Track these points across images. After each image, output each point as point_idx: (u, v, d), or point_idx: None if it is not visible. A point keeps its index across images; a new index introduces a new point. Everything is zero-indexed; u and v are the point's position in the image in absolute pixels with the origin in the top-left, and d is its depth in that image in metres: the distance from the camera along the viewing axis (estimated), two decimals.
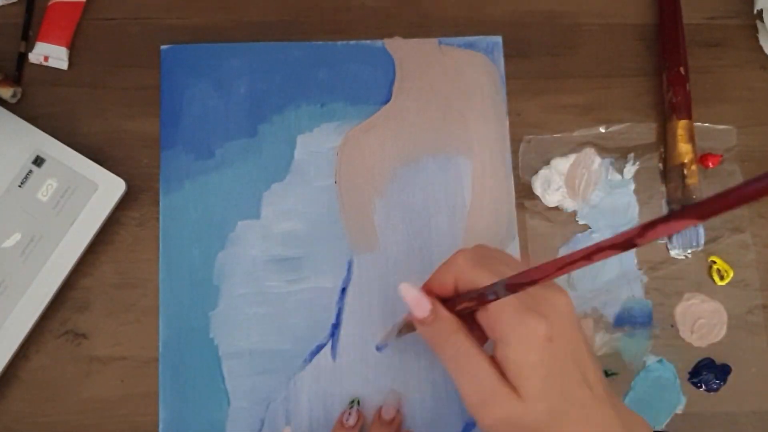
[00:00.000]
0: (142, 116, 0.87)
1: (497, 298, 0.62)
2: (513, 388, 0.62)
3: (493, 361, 0.63)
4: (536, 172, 0.86)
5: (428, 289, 0.68)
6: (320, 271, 0.83)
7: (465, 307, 0.65)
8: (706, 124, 0.89)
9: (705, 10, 0.91)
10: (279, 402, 0.80)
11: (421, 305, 0.66)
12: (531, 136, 0.88)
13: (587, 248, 0.52)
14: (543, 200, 0.85)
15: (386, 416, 0.79)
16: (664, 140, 0.88)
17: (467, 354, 0.64)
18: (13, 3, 0.89)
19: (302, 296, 0.82)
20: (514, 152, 0.87)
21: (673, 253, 0.86)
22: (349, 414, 0.79)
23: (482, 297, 0.63)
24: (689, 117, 0.86)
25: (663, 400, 0.82)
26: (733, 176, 0.87)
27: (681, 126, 0.85)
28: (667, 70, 0.88)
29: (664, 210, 0.86)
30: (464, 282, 0.66)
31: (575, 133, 0.88)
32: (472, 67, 0.89)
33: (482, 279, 0.63)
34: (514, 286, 0.59)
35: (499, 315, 0.63)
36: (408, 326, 0.74)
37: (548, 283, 0.64)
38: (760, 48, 0.91)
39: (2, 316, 0.79)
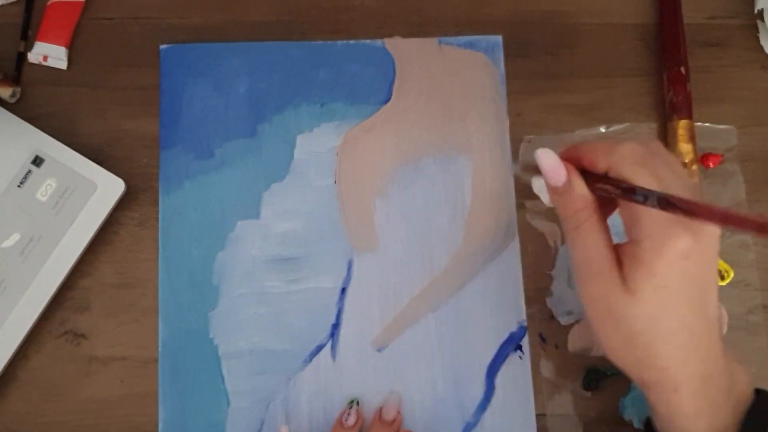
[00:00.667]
0: (141, 116, 0.87)
1: (644, 203, 0.61)
2: (624, 279, 0.63)
3: (614, 247, 0.65)
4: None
5: (576, 157, 0.68)
6: (320, 271, 0.83)
7: (607, 192, 0.65)
8: (707, 124, 0.88)
9: (705, 10, 0.91)
10: (279, 402, 0.80)
11: (557, 174, 0.67)
12: (531, 136, 0.88)
13: (761, 216, 0.52)
14: (543, 200, 0.85)
15: (387, 417, 0.79)
16: (665, 140, 0.87)
17: (589, 231, 0.65)
18: (13, 2, 0.89)
19: (302, 296, 0.82)
20: (515, 152, 0.87)
21: None
22: (348, 414, 0.79)
23: (630, 194, 0.62)
24: (690, 117, 0.86)
25: None
26: (733, 176, 0.87)
27: (681, 126, 0.85)
28: (667, 70, 0.88)
29: None
30: (618, 173, 0.64)
31: (575, 133, 0.88)
32: (472, 66, 0.89)
33: (640, 180, 0.63)
34: (667, 204, 0.59)
35: (646, 213, 0.62)
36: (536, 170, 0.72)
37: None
38: (761, 48, 0.91)
39: (2, 316, 0.79)
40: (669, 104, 0.87)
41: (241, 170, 0.85)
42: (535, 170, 0.70)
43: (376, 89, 0.88)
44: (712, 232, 0.62)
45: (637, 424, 0.80)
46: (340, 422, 0.79)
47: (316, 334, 0.82)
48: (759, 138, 0.88)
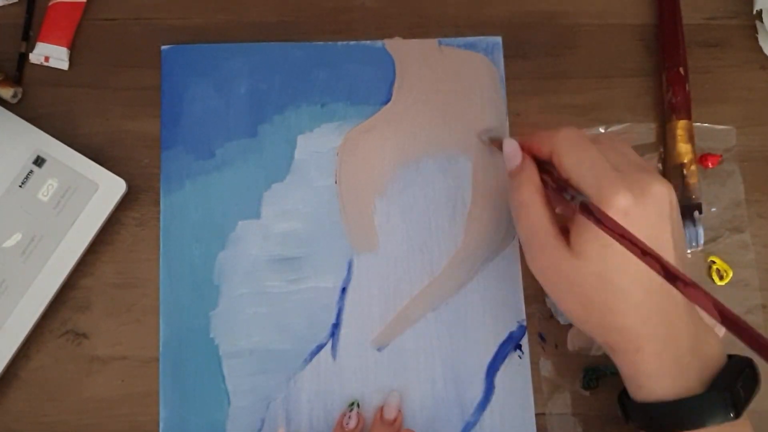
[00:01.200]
0: (142, 116, 0.87)
1: (570, 202, 0.66)
2: (571, 245, 0.66)
3: (558, 223, 0.70)
4: None
5: (526, 146, 0.74)
6: (320, 271, 0.83)
7: (546, 182, 0.71)
8: (706, 124, 0.89)
9: (704, 11, 0.91)
10: (279, 401, 0.80)
11: (514, 158, 0.73)
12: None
13: (658, 258, 0.57)
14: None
15: (388, 416, 0.79)
16: (664, 140, 0.88)
17: (533, 208, 0.70)
18: (14, 3, 0.89)
19: (302, 296, 0.82)
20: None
21: None
22: (350, 417, 0.79)
23: (561, 190, 0.67)
24: (689, 117, 0.86)
25: None
26: (732, 176, 0.88)
27: (680, 126, 0.85)
28: (666, 71, 0.88)
29: None
30: (557, 155, 0.69)
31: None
32: (472, 67, 0.89)
33: (572, 158, 0.68)
34: (586, 210, 0.63)
35: (587, 174, 0.66)
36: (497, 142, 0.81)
37: (653, 172, 0.67)
38: (760, 48, 0.91)
39: (3, 316, 0.79)
40: (668, 104, 0.87)
41: (242, 170, 0.85)
42: (498, 147, 0.79)
43: (377, 90, 0.88)
44: (656, 192, 0.65)
45: None
46: (341, 425, 0.79)
47: (316, 333, 0.82)
48: (758, 138, 0.88)
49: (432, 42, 0.89)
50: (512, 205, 0.72)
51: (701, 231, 0.85)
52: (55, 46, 0.88)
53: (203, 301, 0.82)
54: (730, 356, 0.68)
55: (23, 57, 0.88)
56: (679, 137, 0.85)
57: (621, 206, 0.63)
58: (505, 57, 0.89)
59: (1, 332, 0.79)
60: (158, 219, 0.85)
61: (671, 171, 0.86)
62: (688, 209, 0.84)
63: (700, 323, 0.68)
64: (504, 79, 0.89)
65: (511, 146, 0.74)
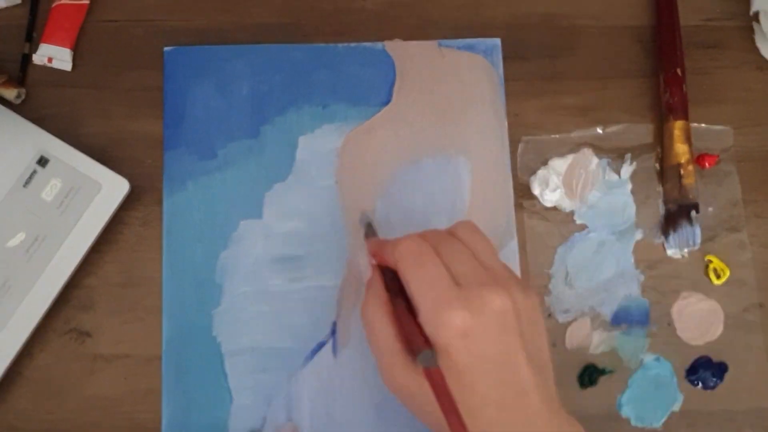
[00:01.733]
0: (145, 117, 0.88)
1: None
2: (411, 361, 0.65)
3: (399, 340, 0.66)
4: (534, 172, 0.87)
5: (378, 252, 0.73)
6: (321, 270, 0.84)
7: (393, 314, 0.68)
8: (703, 125, 0.89)
9: (702, 12, 0.92)
10: (281, 399, 0.81)
11: (365, 271, 0.73)
12: (529, 137, 0.88)
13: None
14: (541, 200, 0.86)
15: None
16: (661, 141, 0.88)
17: (375, 321, 0.68)
18: (17, 5, 0.90)
19: (304, 295, 0.82)
20: (513, 153, 0.88)
21: (669, 252, 0.86)
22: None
23: (400, 321, 0.66)
24: (686, 118, 0.87)
25: (660, 397, 0.83)
26: (729, 176, 0.88)
27: (677, 127, 0.86)
28: (663, 72, 0.89)
29: (661, 209, 0.87)
30: (400, 271, 0.68)
31: (573, 134, 0.89)
32: (472, 68, 0.89)
33: (413, 279, 0.66)
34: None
35: (426, 293, 0.64)
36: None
37: (495, 283, 0.65)
38: (757, 49, 0.91)
39: (7, 315, 0.79)
40: (665, 105, 0.88)
41: (244, 171, 0.86)
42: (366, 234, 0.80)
43: (377, 91, 0.88)
44: (496, 306, 0.63)
45: (633, 423, 0.81)
46: None
47: (317, 332, 0.82)
48: (755, 138, 0.89)
49: (432, 44, 0.90)
50: (362, 318, 0.70)
51: (698, 230, 0.85)
52: (59, 47, 0.88)
53: (205, 300, 0.83)
54: None
55: (26, 58, 0.89)
56: (676, 138, 0.86)
57: (458, 327, 0.61)
58: (504, 58, 0.90)
59: (4, 331, 0.79)
60: (161, 219, 0.85)
61: (668, 171, 0.86)
62: (685, 209, 0.85)
63: (565, 420, 0.66)
64: (503, 81, 0.89)
65: (363, 260, 0.74)
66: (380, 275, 0.71)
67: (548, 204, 0.86)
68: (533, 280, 0.83)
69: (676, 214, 0.86)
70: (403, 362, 0.65)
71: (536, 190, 0.86)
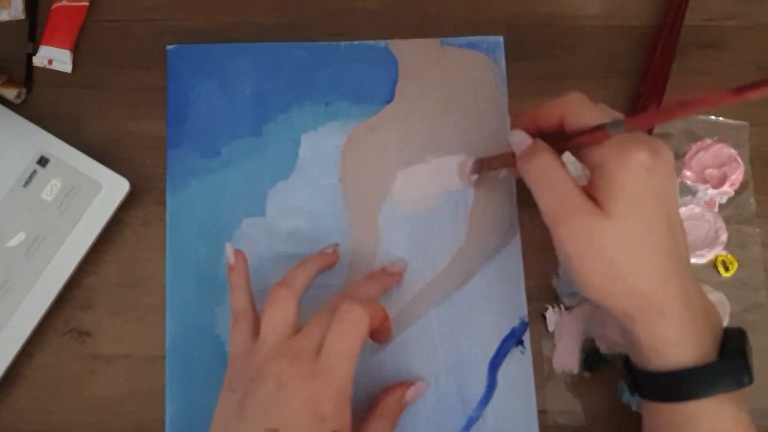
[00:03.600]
0: (145, 117, 0.88)
1: (604, 131, 0.66)
2: (598, 204, 0.66)
3: (578, 185, 0.68)
4: None
5: (532, 119, 0.75)
6: None
7: (574, 143, 0.70)
8: (721, 118, 0.89)
9: (702, 12, 0.91)
10: None
11: (523, 142, 0.73)
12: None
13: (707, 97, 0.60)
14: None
15: (391, 269, 0.83)
16: None
17: (553, 169, 0.69)
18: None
19: (307, 293, 0.81)
20: None
21: None
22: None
23: (597, 131, 0.67)
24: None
25: None
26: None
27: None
28: (642, 97, 0.89)
29: None
30: (573, 118, 0.70)
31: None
32: (474, 66, 0.89)
33: (594, 117, 0.68)
34: (634, 124, 0.65)
35: (602, 144, 0.66)
36: (494, 162, 0.82)
37: (652, 137, 0.69)
38: (758, 49, 0.91)
39: (7, 315, 0.79)
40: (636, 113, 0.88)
41: (247, 169, 0.86)
42: (490, 166, 0.82)
43: (380, 89, 0.88)
44: (666, 154, 0.67)
45: (635, 408, 0.81)
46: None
47: None
48: (755, 139, 0.89)
49: (434, 42, 0.90)
50: (531, 179, 0.71)
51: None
52: (59, 49, 0.88)
53: (209, 298, 0.83)
54: (725, 329, 0.69)
55: (30, 57, 0.89)
56: None
57: (643, 161, 0.64)
58: (505, 58, 0.90)
59: (5, 331, 0.79)
60: (161, 218, 0.85)
61: None
62: None
63: (703, 292, 0.69)
64: (505, 79, 0.89)
65: (519, 135, 0.73)
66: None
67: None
68: (536, 277, 0.83)
69: None
70: (585, 205, 0.67)
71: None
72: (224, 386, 0.71)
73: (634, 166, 0.64)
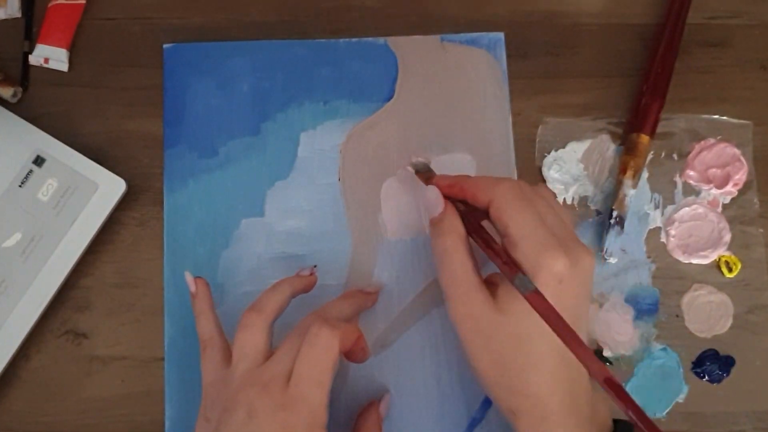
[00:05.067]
0: (142, 116, 0.87)
1: (509, 273, 0.65)
2: (496, 299, 0.67)
3: (478, 272, 0.70)
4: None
5: (461, 188, 0.73)
6: (324, 269, 0.83)
7: (480, 240, 0.70)
8: (724, 117, 0.89)
9: (705, 10, 0.91)
10: None
11: (436, 206, 0.73)
12: (549, 118, 0.88)
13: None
14: (548, 182, 0.85)
15: (367, 289, 0.83)
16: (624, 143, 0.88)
17: (454, 252, 0.70)
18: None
19: (306, 294, 0.81)
20: (517, 149, 0.87)
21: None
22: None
23: (495, 258, 0.67)
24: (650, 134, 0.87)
25: (665, 387, 0.83)
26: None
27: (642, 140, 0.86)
28: (645, 95, 0.88)
29: (677, 198, 0.87)
30: (498, 207, 0.69)
31: (591, 120, 0.89)
32: (475, 63, 0.89)
33: (518, 215, 0.67)
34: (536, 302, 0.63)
35: (525, 236, 0.66)
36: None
37: (581, 242, 0.68)
38: (761, 47, 0.91)
39: (3, 316, 0.79)
40: (638, 114, 0.88)
41: (246, 168, 0.85)
42: (422, 180, 0.80)
43: (379, 87, 0.88)
44: (585, 264, 0.67)
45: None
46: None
47: None
48: (759, 138, 0.88)
49: (434, 39, 0.89)
50: (434, 252, 0.72)
51: (612, 242, 0.85)
52: (55, 48, 0.88)
53: None
54: (615, 421, 0.69)
55: (26, 56, 0.89)
56: (640, 150, 0.86)
57: (557, 273, 0.64)
58: (506, 57, 0.89)
59: (0, 332, 0.79)
60: (158, 219, 0.85)
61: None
62: (618, 218, 0.85)
63: (593, 390, 0.69)
64: (506, 75, 0.89)
65: (433, 193, 0.74)
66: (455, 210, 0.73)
67: (556, 188, 0.85)
68: None
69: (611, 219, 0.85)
70: (478, 294, 0.68)
71: (548, 173, 0.86)
72: (199, 415, 0.70)
73: (547, 275, 0.64)
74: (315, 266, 0.80)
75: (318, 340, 0.66)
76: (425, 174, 0.80)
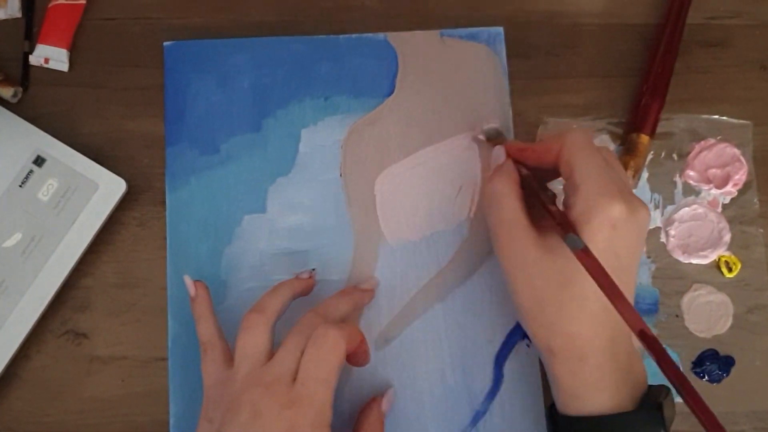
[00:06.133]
0: (142, 116, 0.87)
1: (544, 205, 0.69)
2: (538, 235, 0.69)
3: (526, 215, 0.71)
4: None
5: (531, 149, 0.75)
6: (327, 265, 0.83)
7: (539, 198, 0.71)
8: (724, 118, 0.89)
9: (705, 10, 0.91)
10: None
11: (499, 156, 0.77)
12: (550, 118, 0.88)
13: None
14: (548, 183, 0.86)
15: (364, 285, 0.83)
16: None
17: (505, 195, 0.72)
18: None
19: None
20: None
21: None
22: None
23: (546, 206, 0.69)
24: (651, 134, 0.87)
25: None
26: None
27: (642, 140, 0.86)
28: (645, 95, 0.88)
29: (677, 198, 0.87)
30: (568, 154, 0.70)
31: (591, 120, 0.89)
32: (474, 58, 0.89)
33: (586, 159, 0.69)
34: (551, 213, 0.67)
35: (586, 181, 0.67)
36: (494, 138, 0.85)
37: (635, 195, 0.69)
38: (761, 47, 0.91)
39: (3, 316, 0.79)
40: (638, 114, 0.88)
41: (247, 165, 0.85)
42: (486, 137, 0.85)
43: (379, 82, 0.88)
44: (642, 216, 0.67)
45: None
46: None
47: None
48: (759, 138, 0.89)
49: (434, 34, 0.89)
50: (486, 195, 0.74)
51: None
52: (55, 48, 0.88)
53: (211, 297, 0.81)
54: (649, 385, 0.70)
55: (27, 56, 0.88)
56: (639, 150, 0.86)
57: (613, 217, 0.65)
58: (507, 56, 0.89)
59: (1, 332, 0.79)
60: (159, 219, 0.85)
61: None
62: None
63: (633, 348, 0.70)
64: (506, 69, 0.89)
65: (499, 150, 0.77)
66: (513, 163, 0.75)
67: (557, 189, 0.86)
68: None
69: None
70: (527, 231, 0.69)
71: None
72: (201, 417, 0.70)
73: (602, 219, 0.65)
74: (314, 269, 0.81)
75: (324, 341, 0.67)
76: (496, 140, 0.82)
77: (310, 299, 0.79)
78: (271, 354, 0.69)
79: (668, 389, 0.68)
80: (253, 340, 0.69)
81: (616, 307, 0.60)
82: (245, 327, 0.70)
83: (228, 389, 0.68)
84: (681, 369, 0.58)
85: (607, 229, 0.64)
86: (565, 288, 0.66)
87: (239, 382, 0.67)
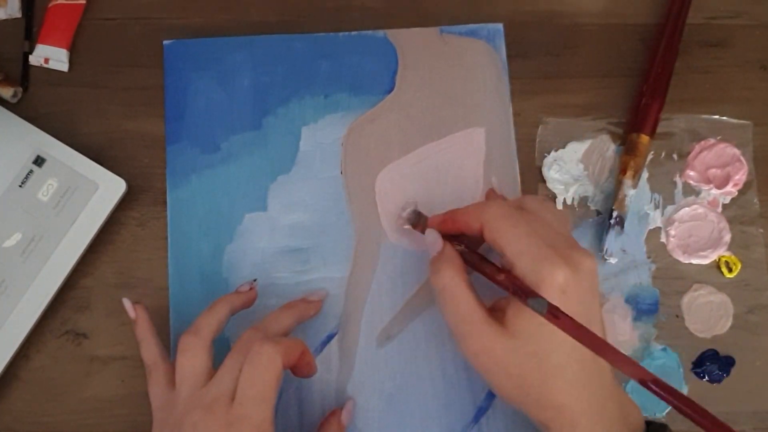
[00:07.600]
0: (142, 116, 0.87)
1: (494, 279, 0.68)
2: (504, 325, 0.67)
3: (486, 305, 0.70)
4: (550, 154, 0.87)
5: (452, 220, 0.74)
6: (328, 262, 0.83)
7: (486, 272, 0.70)
8: (725, 118, 0.89)
9: (705, 10, 0.91)
10: (291, 392, 0.80)
11: (435, 245, 0.74)
12: (550, 118, 0.88)
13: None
14: (548, 182, 0.85)
15: (311, 297, 0.82)
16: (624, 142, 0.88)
17: (454, 286, 0.70)
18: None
19: (311, 287, 0.82)
20: (519, 140, 0.88)
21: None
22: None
23: (505, 284, 0.67)
24: (651, 134, 0.87)
25: None
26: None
27: (642, 140, 0.86)
28: (645, 96, 0.88)
29: (677, 198, 0.87)
30: (489, 229, 0.69)
31: (591, 120, 0.89)
32: (474, 54, 0.89)
33: (508, 233, 0.68)
34: (512, 287, 0.66)
35: (523, 252, 0.66)
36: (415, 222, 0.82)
37: (579, 246, 0.68)
38: (761, 47, 0.91)
39: (3, 316, 0.79)
40: (638, 114, 0.88)
41: (248, 163, 0.85)
42: (410, 224, 0.82)
43: (379, 79, 0.88)
44: (587, 268, 0.66)
45: None
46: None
47: (325, 323, 0.82)
48: (759, 138, 0.89)
49: (433, 30, 0.90)
50: (435, 291, 0.72)
51: (612, 241, 0.85)
52: (55, 48, 0.88)
53: (212, 294, 0.81)
54: (647, 423, 0.70)
55: (26, 56, 0.88)
56: (639, 150, 0.86)
57: (560, 283, 0.64)
58: (507, 56, 0.89)
59: (1, 332, 0.78)
60: (159, 219, 0.85)
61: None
62: (617, 218, 0.85)
63: (622, 391, 0.70)
64: (506, 66, 0.89)
65: (431, 236, 0.75)
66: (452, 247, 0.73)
67: (556, 188, 0.85)
68: None
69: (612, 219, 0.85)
70: (486, 326, 0.67)
71: (548, 173, 0.86)
72: None
73: (549, 288, 0.64)
74: (255, 280, 0.81)
75: (260, 359, 0.67)
76: (420, 223, 0.80)
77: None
78: (212, 374, 0.69)
79: (666, 426, 0.69)
80: (190, 363, 0.70)
81: (605, 358, 0.61)
82: (181, 350, 0.71)
83: (172, 411, 0.69)
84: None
85: (558, 295, 0.64)
86: (542, 363, 0.65)
87: (181, 405, 0.68)
